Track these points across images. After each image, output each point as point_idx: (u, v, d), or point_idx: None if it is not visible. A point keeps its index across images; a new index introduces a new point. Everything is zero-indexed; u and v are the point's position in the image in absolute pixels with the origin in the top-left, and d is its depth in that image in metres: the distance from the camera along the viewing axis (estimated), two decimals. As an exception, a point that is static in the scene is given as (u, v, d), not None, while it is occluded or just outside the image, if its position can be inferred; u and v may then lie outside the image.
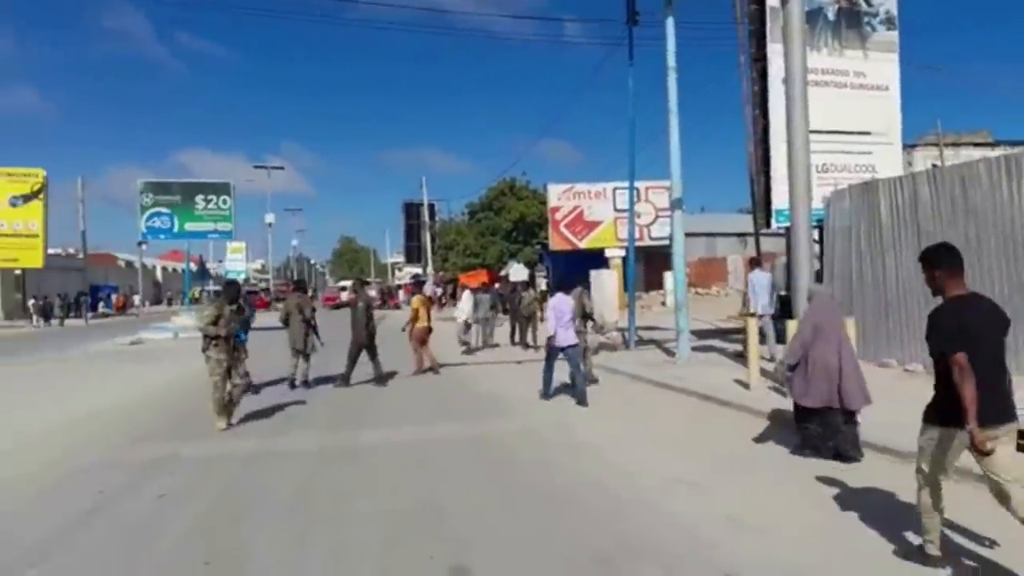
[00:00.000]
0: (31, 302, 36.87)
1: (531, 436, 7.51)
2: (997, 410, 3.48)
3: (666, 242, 32.12)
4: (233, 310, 8.23)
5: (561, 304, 9.52)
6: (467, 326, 16.95)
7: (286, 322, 11.63)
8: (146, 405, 10.18)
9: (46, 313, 36.12)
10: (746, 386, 9.27)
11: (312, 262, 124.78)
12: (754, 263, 12.66)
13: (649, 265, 33.29)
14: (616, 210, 32.72)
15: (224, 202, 26.31)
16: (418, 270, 62.90)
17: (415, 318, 12.77)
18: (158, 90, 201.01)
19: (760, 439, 6.90)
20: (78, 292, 42.87)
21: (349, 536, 4.54)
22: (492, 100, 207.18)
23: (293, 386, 11.18)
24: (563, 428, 7.86)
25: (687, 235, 17.56)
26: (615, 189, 32.76)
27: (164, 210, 25.70)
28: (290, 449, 7.14)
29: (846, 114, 13.69)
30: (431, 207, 55.73)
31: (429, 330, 12.99)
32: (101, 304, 46.58)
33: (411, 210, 59.64)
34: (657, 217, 32.23)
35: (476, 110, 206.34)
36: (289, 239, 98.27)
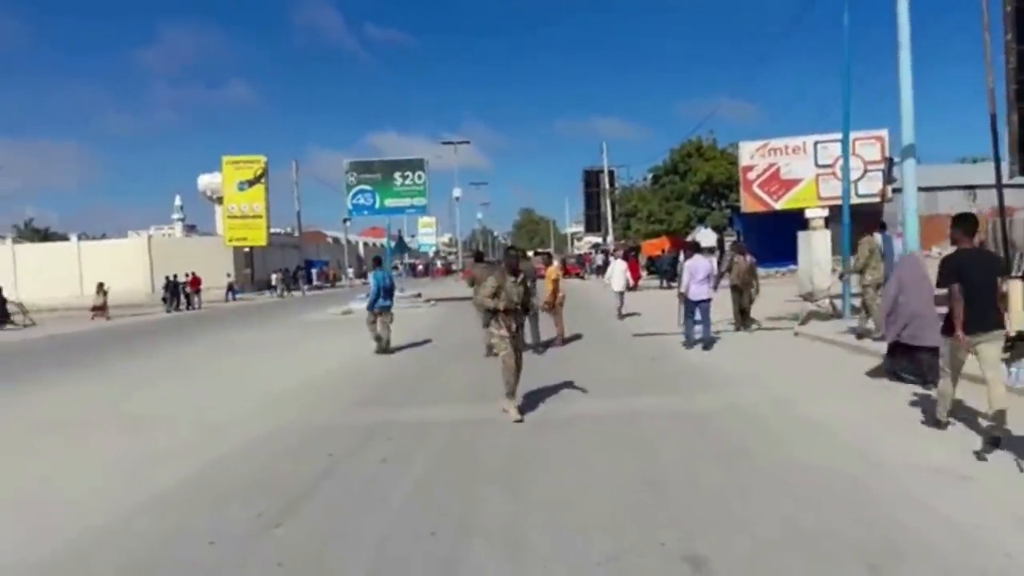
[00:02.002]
0: (275, 275, 41.75)
1: (744, 412, 6.93)
2: (982, 323, 5.22)
3: (875, 199, 29.08)
4: (515, 281, 7.27)
5: (697, 264, 11.46)
6: (620, 296, 16.92)
7: (473, 286, 11.93)
8: (358, 372, 10.85)
9: (288, 285, 41.03)
10: (1008, 361, 7.91)
11: (495, 234, 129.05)
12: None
13: (856, 225, 30.30)
14: (818, 166, 30.01)
15: (419, 178, 27.58)
16: (598, 239, 62.43)
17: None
18: (350, 78, 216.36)
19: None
20: (296, 267, 47.58)
21: (569, 512, 4.36)
22: (671, 61, 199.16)
23: (490, 354, 11.38)
24: (779, 404, 7.18)
25: (897, 190, 15.54)
26: (816, 143, 30.02)
27: (367, 187, 27.48)
28: (494, 416, 7.14)
29: None
30: (611, 174, 54.81)
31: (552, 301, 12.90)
32: (314, 278, 51.45)
33: (591, 178, 59.04)
34: (866, 172, 29.08)
35: (653, 72, 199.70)
36: (473, 212, 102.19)
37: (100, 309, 26.82)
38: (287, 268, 44.53)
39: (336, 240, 71.44)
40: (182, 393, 9.62)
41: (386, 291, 12.73)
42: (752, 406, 7.13)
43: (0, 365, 14.10)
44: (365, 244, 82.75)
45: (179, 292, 31.90)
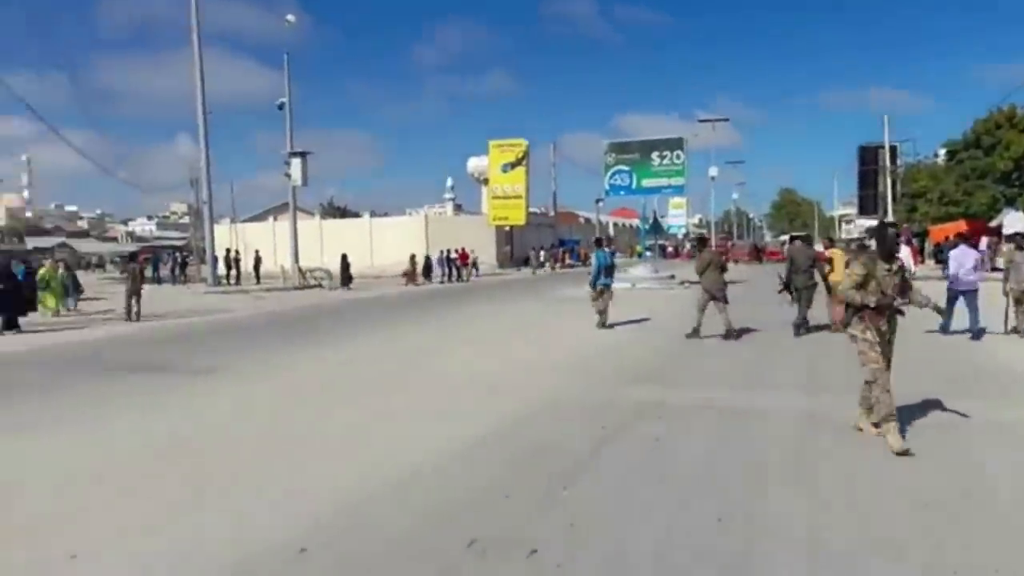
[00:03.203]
0: (542, 252, 44.23)
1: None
2: None
3: None
4: (889, 270, 5.48)
5: (964, 253, 11.41)
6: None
7: (702, 273, 12.01)
8: (615, 348, 11.08)
9: (551, 261, 43.44)
10: None
11: (750, 216, 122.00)
12: None
13: None
14: None
15: (677, 157, 27.03)
16: (873, 222, 56.16)
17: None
18: (602, 61, 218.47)
19: None
20: (551, 245, 49.63)
21: (870, 521, 4.00)
22: (965, 24, 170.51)
23: (728, 336, 11.44)
24: None
25: None
26: None
27: (624, 168, 27.63)
28: (769, 407, 6.81)
29: None
30: (892, 150, 48.86)
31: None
32: (566, 256, 53.24)
33: (867, 155, 53.00)
34: None
35: (942, 36, 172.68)
36: (727, 193, 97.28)
37: (411, 276, 31.49)
38: (543, 246, 46.61)
39: (588, 220, 73.01)
40: (458, 359, 10.54)
41: (607, 270, 13.40)
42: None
43: (332, 318, 16.71)
44: (615, 224, 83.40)
45: (450, 265, 34.99)
